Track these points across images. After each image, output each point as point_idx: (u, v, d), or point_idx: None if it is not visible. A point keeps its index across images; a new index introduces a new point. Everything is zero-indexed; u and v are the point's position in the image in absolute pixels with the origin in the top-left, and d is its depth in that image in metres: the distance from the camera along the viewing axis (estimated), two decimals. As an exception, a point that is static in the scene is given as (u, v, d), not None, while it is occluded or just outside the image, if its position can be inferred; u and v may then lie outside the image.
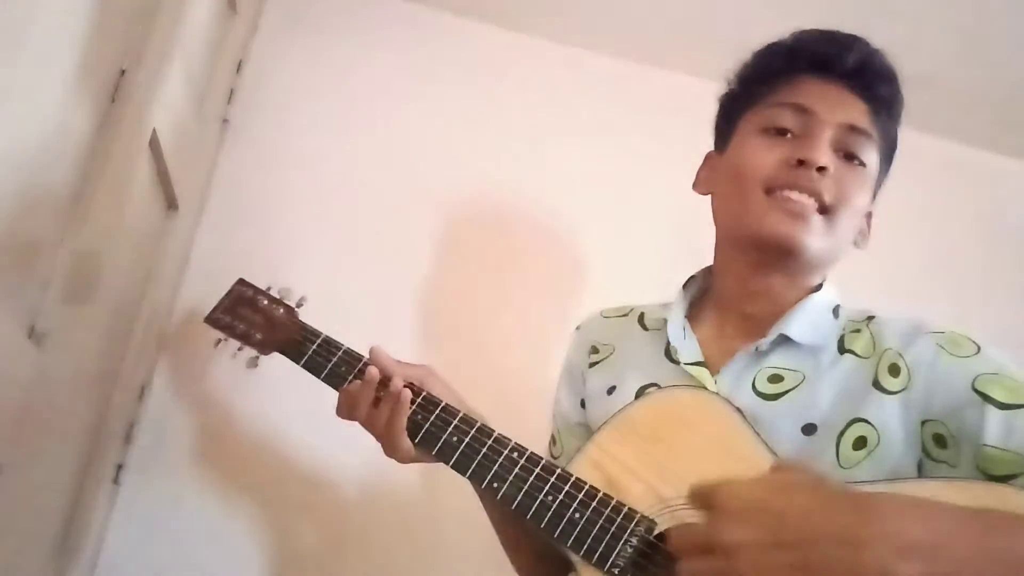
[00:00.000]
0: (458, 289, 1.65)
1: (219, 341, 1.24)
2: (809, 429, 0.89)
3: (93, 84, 0.98)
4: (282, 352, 1.17)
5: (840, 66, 0.98)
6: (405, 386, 1.03)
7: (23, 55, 0.80)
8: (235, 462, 1.53)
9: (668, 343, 1.02)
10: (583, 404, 1.10)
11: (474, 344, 1.63)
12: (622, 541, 0.88)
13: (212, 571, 1.48)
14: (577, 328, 1.18)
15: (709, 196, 1.07)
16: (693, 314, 1.06)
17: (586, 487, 0.93)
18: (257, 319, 1.21)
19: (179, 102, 1.29)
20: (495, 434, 1.00)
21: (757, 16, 1.47)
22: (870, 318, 0.98)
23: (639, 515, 0.89)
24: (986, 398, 0.84)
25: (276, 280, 1.27)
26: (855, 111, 0.98)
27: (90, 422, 1.29)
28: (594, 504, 0.91)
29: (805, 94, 0.98)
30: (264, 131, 1.66)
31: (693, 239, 1.65)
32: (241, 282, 1.27)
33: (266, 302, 1.23)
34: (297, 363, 1.14)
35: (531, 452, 0.98)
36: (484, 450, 0.99)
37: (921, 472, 0.86)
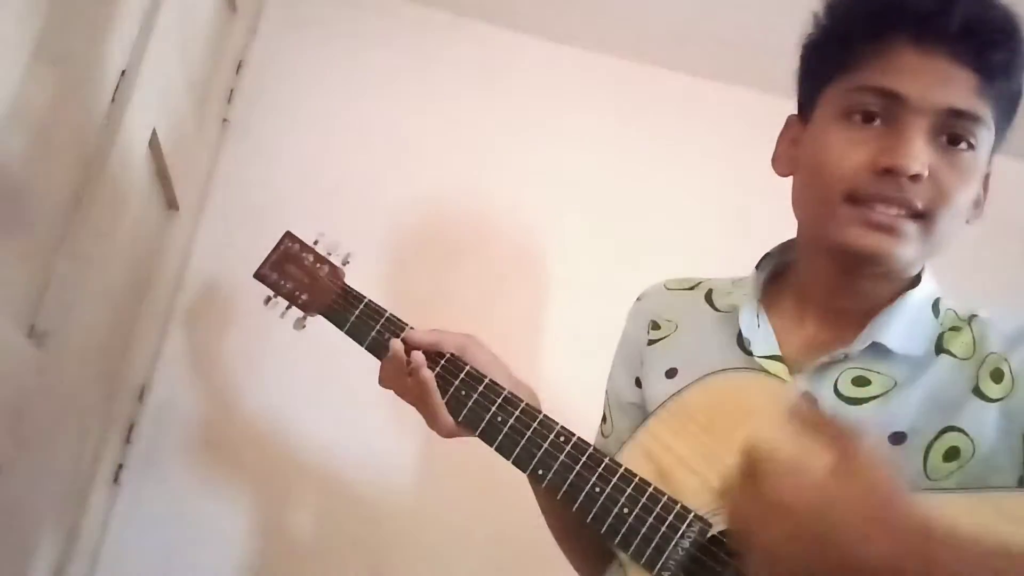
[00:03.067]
0: (460, 289, 1.65)
1: (268, 299, 1.17)
2: (898, 438, 0.80)
3: (93, 84, 0.98)
4: (325, 316, 1.11)
5: (943, 29, 0.79)
6: (448, 357, 0.99)
7: (23, 55, 0.80)
8: (235, 462, 1.53)
9: (740, 332, 0.90)
10: (638, 383, 0.99)
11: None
12: (673, 543, 0.81)
13: (212, 570, 1.48)
14: (638, 299, 1.06)
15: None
16: (768, 298, 0.93)
17: (636, 480, 0.85)
18: (303, 278, 1.14)
19: (179, 102, 1.29)
20: (540, 416, 0.93)
21: (758, 16, 1.48)
22: (973, 316, 0.87)
23: (692, 514, 0.82)
24: None
25: (325, 232, 1.20)
26: (960, 88, 0.80)
27: (90, 422, 1.29)
28: (644, 500, 0.84)
29: (896, 71, 0.80)
30: (264, 131, 1.66)
31: (698, 239, 1.67)
32: (289, 236, 1.19)
33: (311, 259, 1.15)
34: (341, 329, 1.08)
35: (578, 438, 0.91)
36: (529, 433, 0.92)
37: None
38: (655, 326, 1.00)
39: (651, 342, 0.99)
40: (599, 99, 1.77)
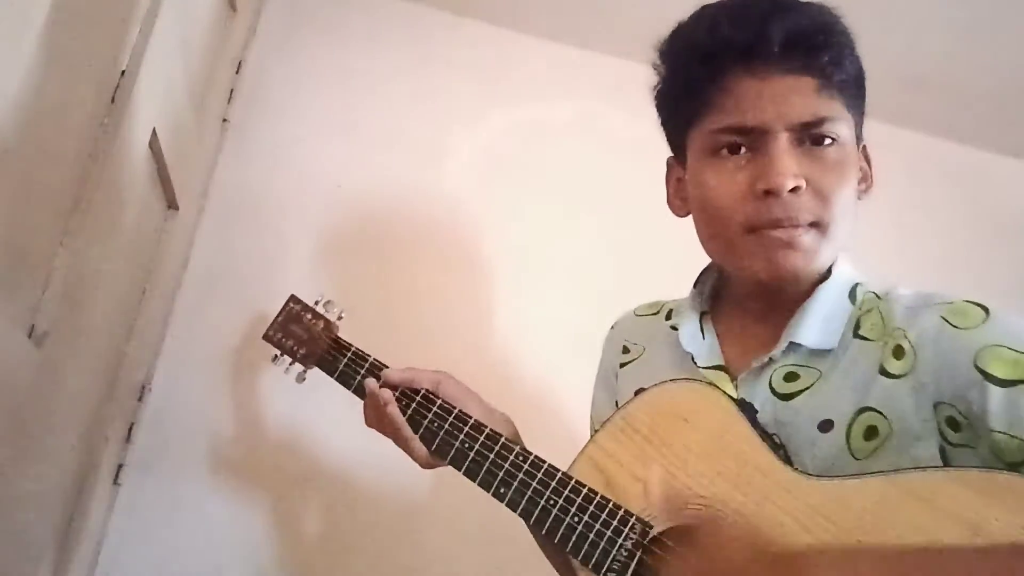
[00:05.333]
0: (461, 288, 1.65)
1: (275, 356, 1.29)
2: (826, 425, 0.84)
3: (93, 84, 0.98)
4: (319, 366, 1.21)
5: (768, 52, 0.84)
6: (423, 392, 1.08)
7: (23, 55, 0.80)
8: (235, 462, 1.53)
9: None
10: (617, 405, 1.04)
11: (478, 342, 1.63)
12: (617, 545, 0.88)
13: (212, 570, 1.48)
14: (612, 327, 1.14)
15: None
16: (716, 307, 1.00)
17: (584, 490, 0.92)
18: (303, 334, 1.26)
19: (179, 102, 1.29)
20: (501, 439, 1.01)
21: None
22: (886, 295, 0.90)
23: (634, 517, 0.88)
24: (986, 376, 0.76)
25: (324, 294, 1.31)
26: (802, 100, 0.84)
27: (90, 422, 1.29)
28: (592, 508, 0.91)
29: (741, 106, 0.85)
30: (264, 131, 1.66)
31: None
32: (292, 299, 1.31)
33: (309, 317, 1.27)
34: (331, 377, 1.18)
35: (535, 456, 0.98)
36: (492, 456, 1.00)
37: (945, 459, 0.79)
38: (625, 350, 1.08)
39: (623, 365, 1.07)
40: (601, 99, 1.77)
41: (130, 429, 1.48)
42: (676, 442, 0.89)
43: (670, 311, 1.06)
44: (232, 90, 1.65)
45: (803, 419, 0.85)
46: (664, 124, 0.99)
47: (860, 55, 0.89)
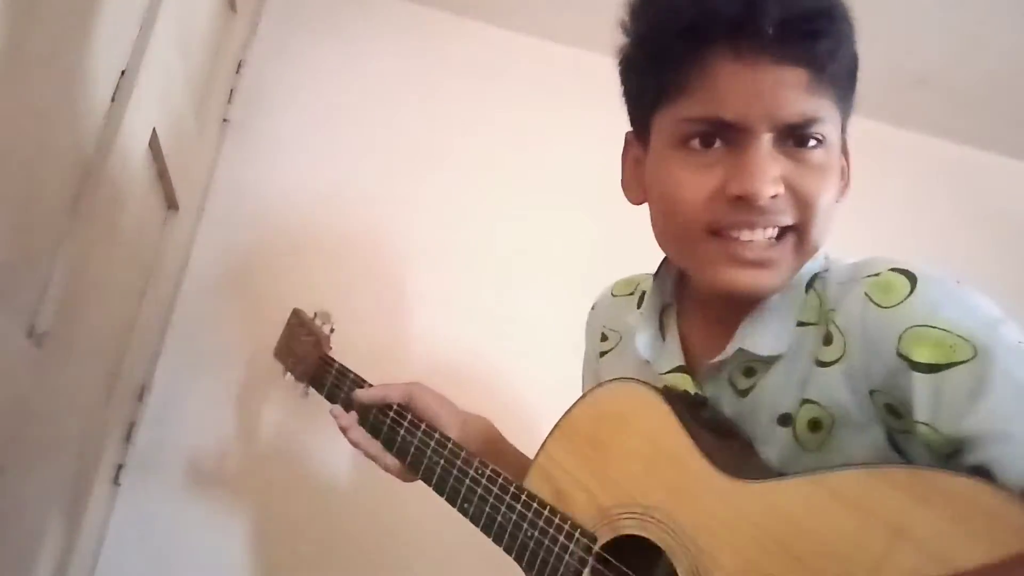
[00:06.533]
0: (461, 288, 1.65)
1: (285, 372, 1.29)
2: (784, 420, 0.78)
3: (93, 84, 0.98)
4: (311, 385, 1.21)
5: (760, 33, 0.71)
6: (395, 408, 1.07)
7: (23, 54, 0.80)
8: (235, 462, 1.53)
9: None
10: None
11: (478, 342, 1.63)
12: (564, 562, 0.84)
13: (211, 571, 1.48)
14: (592, 308, 1.06)
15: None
16: (681, 295, 0.91)
17: (534, 504, 0.89)
18: (300, 351, 1.26)
19: (179, 102, 1.29)
20: (462, 454, 0.99)
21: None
22: (823, 271, 0.81)
23: (579, 530, 0.84)
24: (909, 362, 0.68)
25: (322, 305, 1.31)
26: (791, 95, 0.73)
27: (90, 422, 1.29)
28: (541, 523, 0.88)
29: (721, 94, 0.73)
30: (264, 131, 1.66)
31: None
32: (293, 313, 1.31)
33: (304, 333, 1.26)
34: (322, 394, 1.18)
35: (492, 469, 0.95)
36: (455, 471, 0.98)
37: (896, 446, 0.73)
38: (604, 338, 1.02)
39: (602, 354, 1.01)
40: (601, 99, 1.77)
41: (130, 429, 1.48)
42: (615, 447, 0.85)
43: (643, 293, 0.95)
44: (232, 90, 1.65)
45: (762, 415, 0.80)
46: (627, 96, 0.85)
47: (857, 44, 0.78)
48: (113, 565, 1.45)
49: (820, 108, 0.74)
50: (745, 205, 0.73)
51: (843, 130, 0.80)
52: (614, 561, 0.82)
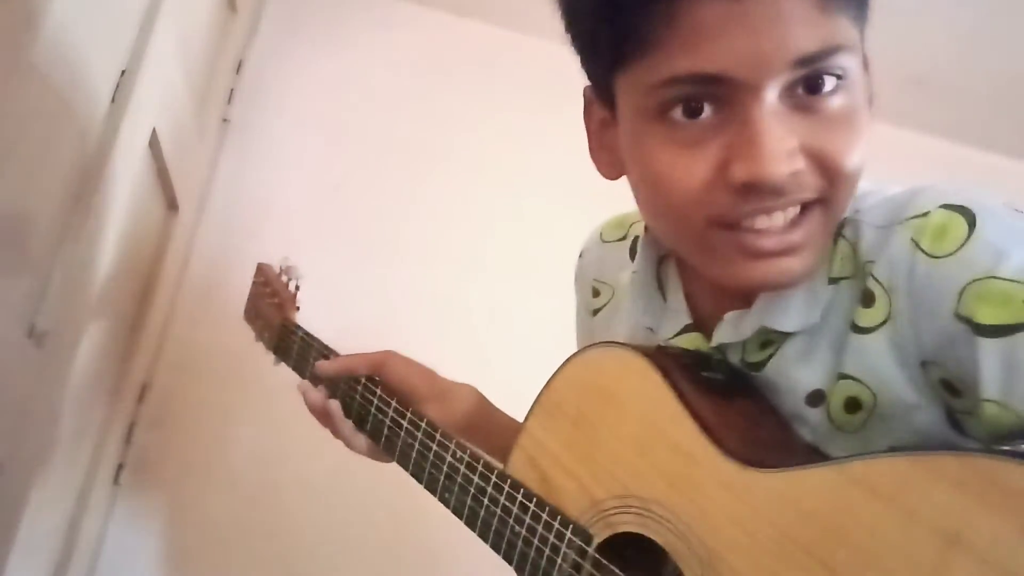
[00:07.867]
0: (461, 287, 1.65)
1: (257, 339, 1.19)
2: (814, 399, 0.64)
3: (93, 84, 0.98)
4: (276, 355, 1.12)
5: None
6: (363, 382, 0.94)
7: (24, 55, 0.80)
8: (234, 462, 1.53)
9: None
10: None
11: (480, 340, 1.63)
12: (557, 565, 0.71)
13: (211, 571, 1.48)
14: (580, 255, 0.90)
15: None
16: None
17: (519, 496, 0.75)
18: (266, 314, 1.13)
19: (179, 102, 1.29)
20: (437, 435, 0.85)
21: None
22: (854, 212, 0.64)
23: (572, 526, 0.71)
24: (974, 325, 0.54)
25: (288, 257, 1.18)
26: (799, 19, 0.53)
27: (90, 422, 1.29)
28: (528, 519, 0.74)
29: (706, 38, 0.53)
30: (264, 131, 1.66)
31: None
32: (258, 269, 1.17)
33: (268, 295, 1.13)
34: (289, 366, 1.09)
35: (471, 452, 0.82)
36: (431, 456, 0.85)
37: (958, 427, 0.59)
38: (596, 292, 0.87)
39: (595, 312, 0.86)
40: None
41: (130, 429, 1.48)
42: (603, 427, 0.71)
43: (636, 238, 0.81)
44: (232, 90, 1.65)
45: (784, 394, 0.66)
46: (573, 43, 0.64)
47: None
48: (113, 565, 1.45)
49: (837, 31, 0.55)
50: (755, 190, 0.56)
51: (862, 48, 0.60)
52: (611, 567, 0.69)
